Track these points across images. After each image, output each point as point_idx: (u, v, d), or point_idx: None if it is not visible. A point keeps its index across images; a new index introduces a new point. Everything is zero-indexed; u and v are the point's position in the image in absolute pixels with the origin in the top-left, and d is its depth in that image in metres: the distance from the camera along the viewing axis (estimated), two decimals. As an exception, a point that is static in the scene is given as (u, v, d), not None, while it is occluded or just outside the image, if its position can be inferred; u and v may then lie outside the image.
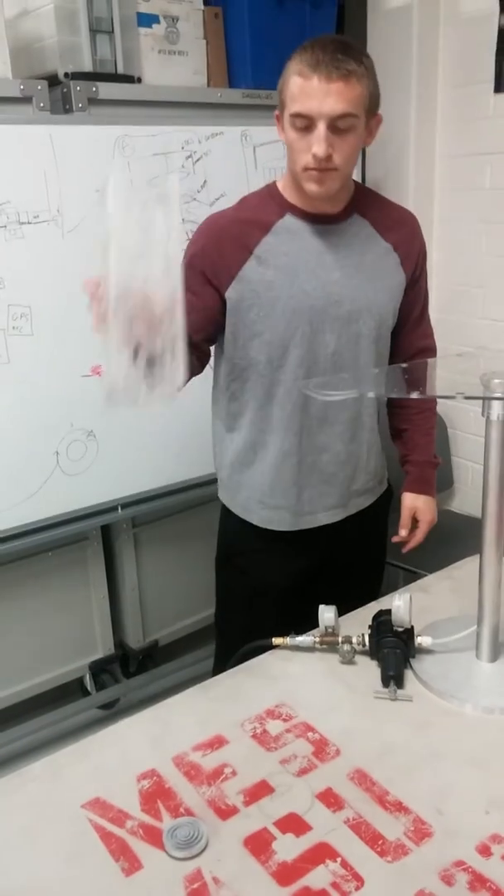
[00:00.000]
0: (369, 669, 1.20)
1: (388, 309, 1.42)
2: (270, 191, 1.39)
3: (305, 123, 1.22)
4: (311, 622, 1.64)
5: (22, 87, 1.74)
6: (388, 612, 1.20)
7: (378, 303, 1.40)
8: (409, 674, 1.19)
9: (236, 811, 0.97)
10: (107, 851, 0.92)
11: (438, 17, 2.24)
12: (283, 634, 1.51)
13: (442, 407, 2.46)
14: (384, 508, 1.64)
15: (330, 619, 1.24)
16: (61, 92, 1.82)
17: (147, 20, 1.93)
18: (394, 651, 1.17)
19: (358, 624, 1.28)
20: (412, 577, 1.80)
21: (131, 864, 0.91)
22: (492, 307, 2.30)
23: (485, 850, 0.90)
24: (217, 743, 1.08)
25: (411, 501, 1.60)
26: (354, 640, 1.22)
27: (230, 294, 1.36)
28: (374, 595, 1.58)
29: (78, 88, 1.81)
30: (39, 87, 1.76)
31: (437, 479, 2.50)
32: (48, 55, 1.84)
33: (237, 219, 1.37)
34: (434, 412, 1.62)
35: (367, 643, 1.21)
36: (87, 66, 1.84)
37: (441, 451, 2.51)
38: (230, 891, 0.87)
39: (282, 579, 1.53)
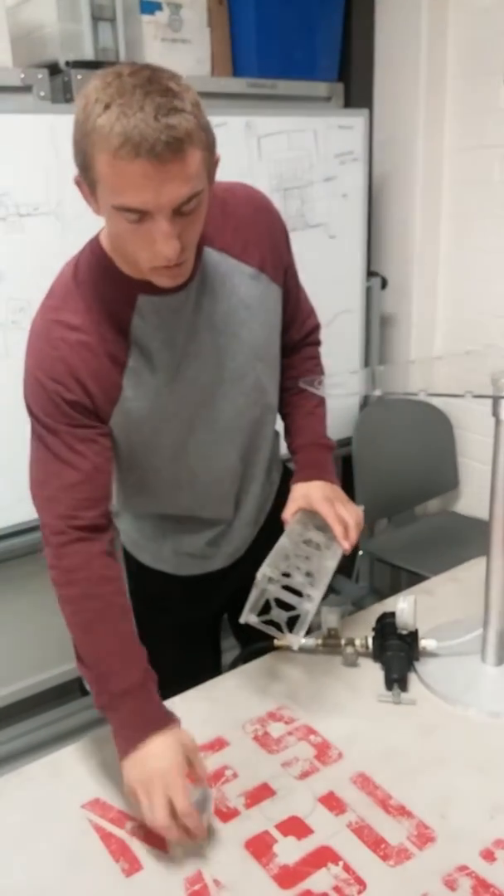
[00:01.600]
0: (373, 672, 1.19)
1: (273, 339, 1.21)
2: (103, 268, 1.06)
3: (138, 217, 0.90)
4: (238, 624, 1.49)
5: (22, 75, 1.71)
6: (393, 614, 1.19)
7: (262, 342, 1.18)
8: (413, 677, 1.18)
9: (237, 814, 0.96)
10: (107, 852, 0.92)
11: (448, 7, 2.21)
12: (214, 661, 1.44)
13: (447, 406, 2.45)
14: (284, 494, 1.36)
15: (333, 620, 1.23)
16: (62, 81, 1.79)
17: (150, 7, 1.90)
18: (398, 654, 1.16)
19: (362, 626, 1.26)
20: (416, 579, 1.78)
21: (131, 865, 0.90)
22: (501, 304, 2.27)
23: (488, 856, 0.89)
24: (218, 745, 1.07)
25: (302, 491, 1.23)
26: (358, 642, 1.21)
27: (116, 420, 1.10)
28: None
29: (79, 77, 1.78)
30: (40, 76, 1.74)
31: (443, 479, 2.51)
32: (49, 43, 1.82)
33: (95, 327, 1.05)
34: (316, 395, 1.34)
35: (370, 646, 1.20)
36: (89, 55, 1.82)
37: (446, 451, 2.51)
38: (231, 893, 0.86)
39: (200, 615, 1.40)
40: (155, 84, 0.86)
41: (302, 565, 1.09)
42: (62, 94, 1.80)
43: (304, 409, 1.32)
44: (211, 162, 0.95)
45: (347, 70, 2.30)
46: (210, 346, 1.12)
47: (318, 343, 1.36)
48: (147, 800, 0.90)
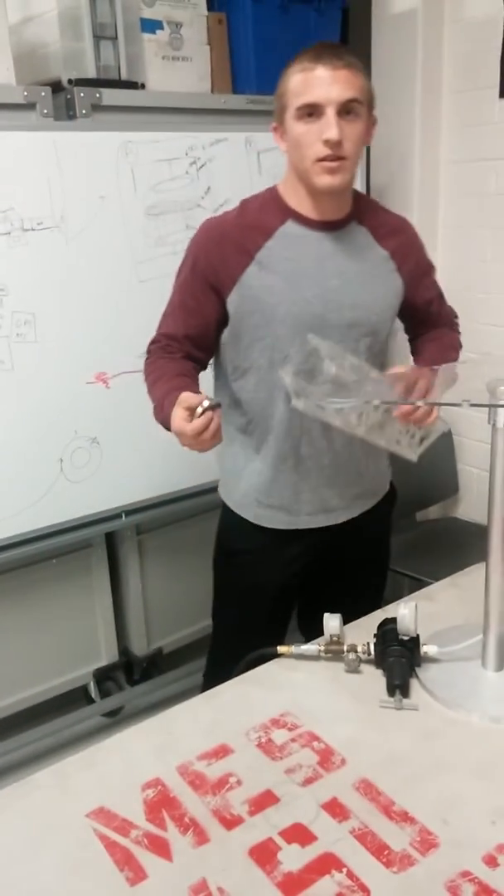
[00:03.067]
0: (375, 678, 1.20)
1: (385, 316, 1.43)
2: (272, 195, 1.39)
3: (313, 112, 1.23)
4: (307, 621, 1.65)
5: (25, 93, 1.74)
6: (394, 620, 1.20)
7: (375, 310, 1.40)
8: (414, 683, 1.18)
9: (241, 821, 0.96)
10: (111, 861, 0.92)
11: (443, 22, 2.24)
12: (275, 632, 1.58)
13: (447, 413, 2.45)
14: (388, 511, 1.64)
15: (335, 627, 1.24)
16: (65, 98, 1.82)
17: (151, 26, 1.93)
18: (399, 660, 1.17)
19: (363, 632, 1.27)
20: (418, 584, 1.79)
21: (136, 874, 0.90)
22: (497, 313, 2.29)
23: (491, 861, 0.89)
24: (222, 752, 1.08)
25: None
26: (360, 648, 1.22)
27: (232, 298, 1.37)
28: (377, 601, 1.58)
29: (82, 95, 1.81)
30: (43, 94, 1.76)
31: (443, 485, 2.53)
32: (52, 61, 1.85)
33: (239, 223, 1.38)
34: (455, 347, 1.59)
35: (372, 652, 1.21)
36: (91, 73, 1.84)
37: (446, 457, 2.52)
38: (235, 902, 0.86)
39: (275, 577, 1.54)
40: (341, 45, 1.31)
41: None
42: (65, 111, 1.82)
43: (440, 344, 1.55)
44: (370, 102, 1.29)
45: (345, 85, 2.32)
46: (324, 285, 1.35)
47: (457, 330, 1.62)
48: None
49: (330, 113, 1.22)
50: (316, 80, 1.22)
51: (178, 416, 1.19)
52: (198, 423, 1.17)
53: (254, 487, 1.49)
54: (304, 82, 1.23)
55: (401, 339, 1.60)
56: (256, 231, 1.36)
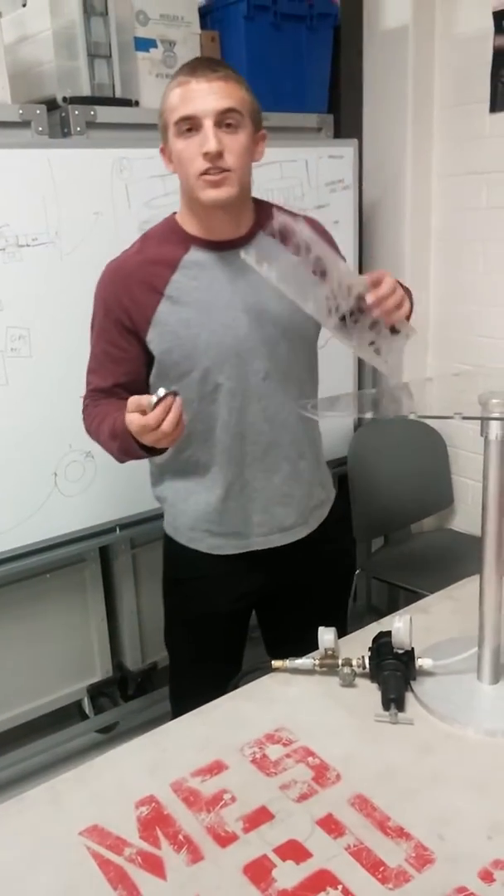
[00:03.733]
0: (370, 692, 1.19)
1: (312, 321, 1.33)
2: (171, 225, 1.36)
3: (191, 126, 1.21)
4: (274, 649, 1.61)
5: (21, 111, 1.75)
6: (389, 633, 1.19)
7: (300, 317, 1.31)
8: (409, 696, 1.18)
9: (236, 838, 0.96)
10: (105, 880, 0.91)
11: (434, 38, 2.26)
12: (232, 656, 1.55)
13: (441, 424, 2.46)
14: (343, 523, 1.61)
15: (330, 640, 1.23)
16: (60, 116, 1.84)
17: (144, 45, 1.95)
18: (394, 673, 1.16)
19: (358, 646, 1.27)
20: (413, 596, 1.79)
21: (130, 893, 0.89)
22: (489, 325, 2.30)
23: (487, 876, 0.89)
24: (216, 768, 1.07)
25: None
26: (354, 662, 1.21)
27: (150, 338, 1.34)
28: (342, 622, 1.55)
29: (76, 112, 1.82)
30: (38, 112, 1.78)
31: (438, 496, 2.53)
32: (47, 80, 1.86)
33: (141, 260, 1.34)
34: None
35: (367, 665, 1.20)
36: (86, 91, 1.86)
37: (440, 468, 2.52)
38: (230, 921, 0.86)
39: (228, 604, 1.51)
40: (219, 60, 1.27)
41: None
42: (59, 128, 1.84)
43: None
44: (254, 115, 1.26)
45: (337, 101, 2.35)
46: (240, 305, 1.32)
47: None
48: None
49: (207, 125, 1.20)
50: (191, 93, 1.20)
51: (133, 418, 1.17)
52: (158, 409, 1.14)
53: (202, 518, 1.45)
54: (181, 96, 1.21)
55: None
56: (160, 265, 1.32)
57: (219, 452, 1.40)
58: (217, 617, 1.52)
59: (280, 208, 1.37)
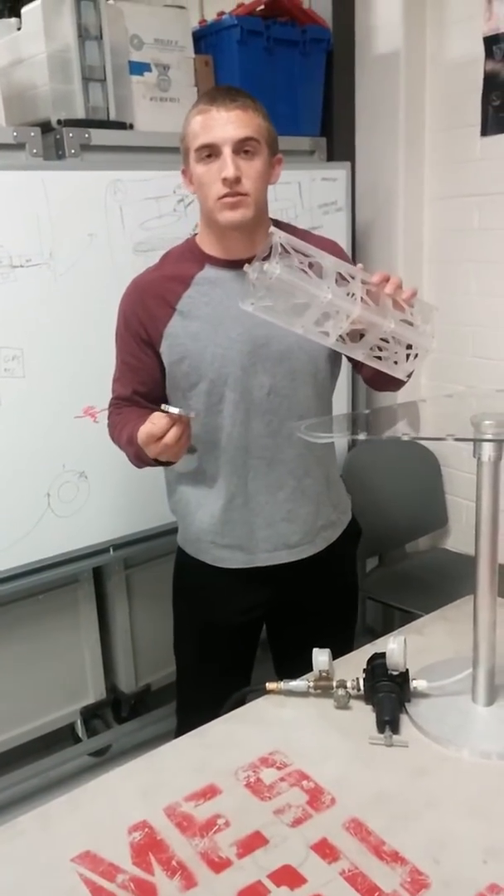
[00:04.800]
0: (364, 714, 1.19)
1: (314, 352, 1.39)
2: (189, 245, 1.43)
3: (211, 153, 1.28)
4: (282, 666, 1.62)
5: (15, 133, 1.77)
6: (383, 655, 1.19)
7: (307, 338, 1.35)
8: (404, 718, 1.17)
9: (230, 864, 0.95)
10: (97, 907, 0.90)
11: (425, 63, 2.29)
12: (239, 670, 1.56)
13: (434, 445, 2.47)
14: (352, 548, 1.62)
15: (324, 662, 1.23)
16: (54, 138, 1.85)
17: (139, 68, 1.97)
18: (389, 695, 1.16)
19: (353, 667, 1.26)
20: (408, 616, 1.78)
21: (121, 921, 0.88)
22: (482, 346, 2.32)
23: (484, 902, 0.88)
24: (210, 792, 1.06)
25: None
26: (349, 684, 1.21)
27: (163, 350, 1.40)
28: (348, 641, 1.56)
29: (71, 135, 1.84)
30: (33, 134, 1.79)
31: (432, 516, 2.53)
32: (41, 103, 1.88)
33: (159, 276, 1.41)
34: None
35: (361, 687, 1.20)
36: (80, 113, 1.88)
37: (434, 488, 2.53)
38: None
39: (234, 617, 1.53)
40: (238, 89, 1.32)
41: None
42: (54, 151, 1.85)
43: None
44: (271, 141, 1.33)
45: (330, 125, 2.37)
46: (249, 322, 1.31)
47: None
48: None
49: (226, 152, 1.26)
50: (211, 122, 1.27)
51: (144, 427, 1.25)
52: (164, 422, 1.22)
53: (207, 529, 1.48)
54: (201, 124, 1.28)
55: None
56: (175, 281, 1.39)
57: (223, 463, 1.43)
58: (222, 628, 1.53)
59: (297, 228, 1.44)
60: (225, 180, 1.26)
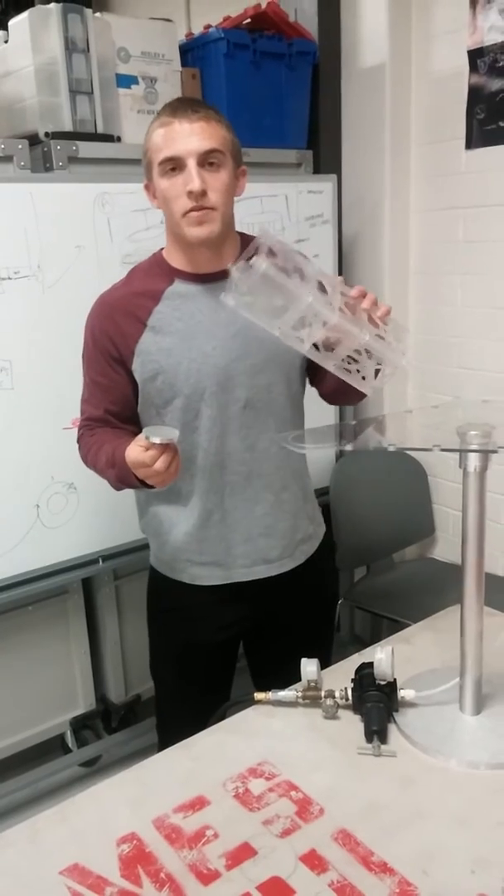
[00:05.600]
0: (353, 724, 1.19)
1: (294, 352, 1.34)
2: (157, 260, 1.40)
3: (175, 166, 1.25)
4: (261, 681, 1.60)
5: (3, 146, 1.77)
6: (371, 664, 1.19)
7: (282, 350, 1.31)
8: (392, 728, 1.18)
9: (218, 875, 0.95)
10: (85, 921, 0.90)
11: (411, 76, 2.31)
12: (217, 688, 1.55)
13: (421, 454, 2.48)
14: (329, 559, 1.62)
15: (312, 672, 1.23)
16: (42, 151, 1.86)
17: (126, 81, 1.98)
18: (377, 705, 1.16)
19: (341, 677, 1.27)
20: (396, 626, 1.79)
21: (110, 935, 0.88)
22: (467, 357, 2.33)
23: (471, 912, 0.88)
24: (198, 804, 1.06)
25: None
26: (337, 694, 1.21)
27: (135, 367, 1.37)
28: (326, 656, 1.56)
29: (58, 147, 1.84)
30: (20, 146, 1.80)
31: (419, 525, 2.54)
32: (29, 115, 1.88)
33: (127, 293, 1.38)
34: None
35: (349, 697, 1.20)
36: (68, 126, 1.88)
37: (421, 498, 2.54)
38: None
39: (211, 634, 1.51)
40: (199, 100, 1.27)
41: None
42: (42, 163, 1.86)
43: None
44: (235, 152, 1.30)
45: (316, 137, 2.38)
46: (222, 335, 1.34)
47: None
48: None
49: (191, 164, 1.24)
50: (174, 134, 1.24)
51: (132, 452, 1.22)
52: (153, 451, 1.19)
53: (183, 548, 1.46)
54: (164, 137, 1.25)
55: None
56: (144, 297, 1.36)
57: (199, 480, 1.41)
58: (201, 647, 1.52)
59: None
60: (190, 193, 1.24)
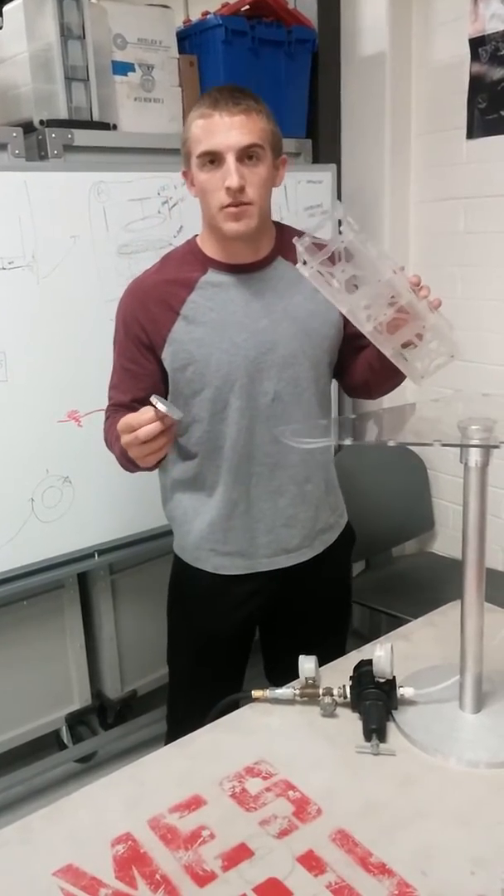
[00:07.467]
0: (351, 722, 1.18)
1: (324, 347, 1.41)
2: (191, 247, 1.39)
3: (213, 159, 1.24)
4: (273, 670, 1.62)
5: (-3, 134, 1.75)
6: (370, 662, 1.18)
7: (312, 343, 1.39)
8: (391, 726, 1.16)
9: (214, 877, 0.93)
10: (78, 924, 0.89)
11: (411, 66, 2.29)
12: (232, 678, 1.55)
13: (421, 448, 2.47)
14: (346, 551, 1.62)
15: (310, 669, 1.22)
16: (37, 139, 1.83)
17: (122, 68, 1.96)
18: (375, 703, 1.15)
19: (339, 675, 1.25)
20: (395, 621, 1.77)
21: (104, 937, 0.87)
22: (467, 350, 2.29)
23: (471, 914, 0.87)
24: (194, 803, 1.05)
25: None
26: (336, 691, 1.20)
27: (165, 356, 1.37)
28: (341, 647, 1.56)
29: (53, 135, 1.82)
30: (14, 134, 1.77)
31: (419, 520, 2.53)
32: (23, 103, 1.86)
33: (160, 280, 1.37)
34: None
35: (348, 695, 1.19)
36: (63, 114, 1.86)
37: (421, 492, 2.52)
38: None
39: (229, 622, 1.52)
40: (241, 88, 1.27)
41: None
42: (36, 151, 1.83)
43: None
44: (275, 143, 1.29)
45: (315, 127, 2.36)
46: (253, 327, 1.34)
47: None
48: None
49: (230, 160, 1.23)
50: (214, 128, 1.23)
51: (131, 414, 1.18)
52: (145, 415, 1.14)
53: (207, 537, 1.47)
54: (203, 129, 1.24)
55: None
56: (178, 285, 1.35)
57: (225, 471, 1.42)
58: (220, 637, 1.53)
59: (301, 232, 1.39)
60: (228, 189, 1.23)
